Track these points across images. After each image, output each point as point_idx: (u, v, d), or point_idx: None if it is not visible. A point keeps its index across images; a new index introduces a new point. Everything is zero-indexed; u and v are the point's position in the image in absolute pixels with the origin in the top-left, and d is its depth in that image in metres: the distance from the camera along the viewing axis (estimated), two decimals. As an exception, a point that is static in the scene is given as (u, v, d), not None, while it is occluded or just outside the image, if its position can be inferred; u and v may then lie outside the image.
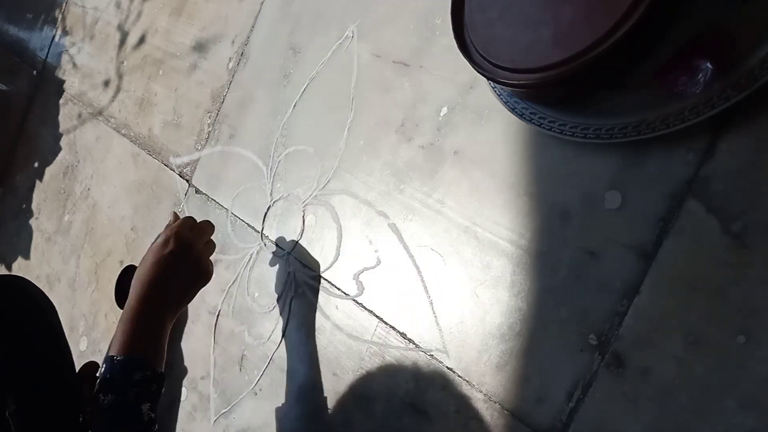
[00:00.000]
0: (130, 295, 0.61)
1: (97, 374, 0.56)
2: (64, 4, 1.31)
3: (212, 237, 0.72)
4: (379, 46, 0.68)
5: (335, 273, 0.68)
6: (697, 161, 0.45)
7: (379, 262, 0.64)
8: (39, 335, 0.62)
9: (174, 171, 0.93)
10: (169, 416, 0.84)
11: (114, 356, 0.56)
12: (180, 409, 0.83)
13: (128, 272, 0.89)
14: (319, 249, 0.71)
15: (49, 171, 1.23)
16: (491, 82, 0.55)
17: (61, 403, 0.51)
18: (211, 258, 0.71)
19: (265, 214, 0.78)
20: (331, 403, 0.66)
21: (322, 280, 0.70)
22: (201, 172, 0.89)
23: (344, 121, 0.70)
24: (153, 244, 0.65)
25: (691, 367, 0.43)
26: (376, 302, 0.64)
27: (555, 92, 0.49)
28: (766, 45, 0.39)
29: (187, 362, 0.83)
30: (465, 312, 0.56)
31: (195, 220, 0.70)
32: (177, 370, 0.84)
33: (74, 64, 1.23)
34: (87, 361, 0.94)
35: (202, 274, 0.66)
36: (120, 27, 1.12)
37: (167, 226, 0.68)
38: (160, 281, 0.61)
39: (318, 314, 0.69)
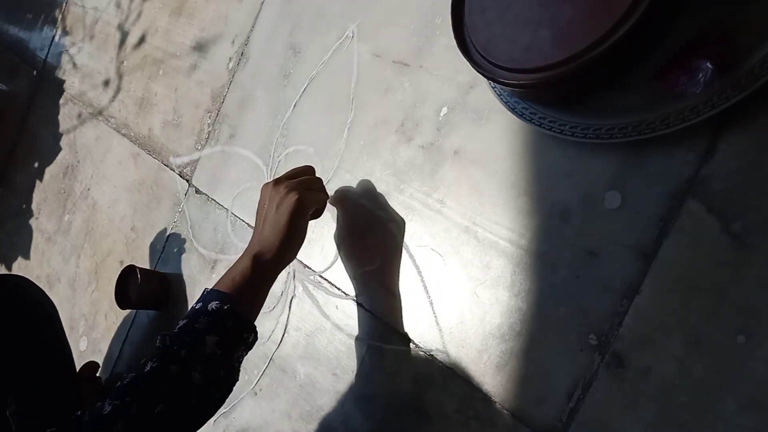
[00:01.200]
0: (248, 247, 0.59)
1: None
2: (64, 4, 1.31)
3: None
4: (379, 45, 0.68)
5: (335, 273, 0.68)
6: (697, 161, 0.45)
7: (379, 262, 0.64)
8: (40, 335, 0.62)
9: (174, 171, 0.93)
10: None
11: (207, 287, 0.56)
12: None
13: (128, 272, 0.89)
14: (319, 249, 0.71)
15: (49, 171, 1.23)
16: (491, 82, 0.55)
17: (61, 403, 0.51)
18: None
19: (265, 214, 0.78)
20: (331, 403, 0.66)
21: (322, 280, 0.70)
22: (201, 171, 0.89)
23: (344, 121, 0.70)
24: (268, 196, 0.61)
25: (691, 367, 0.43)
26: (376, 302, 0.64)
27: (555, 92, 0.49)
28: (766, 45, 0.39)
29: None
30: (465, 312, 0.56)
31: (306, 169, 0.66)
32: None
33: (74, 64, 1.23)
34: (87, 361, 0.94)
35: (312, 215, 0.63)
36: (120, 27, 1.12)
37: (285, 180, 0.62)
38: (271, 236, 0.58)
39: (318, 314, 0.69)
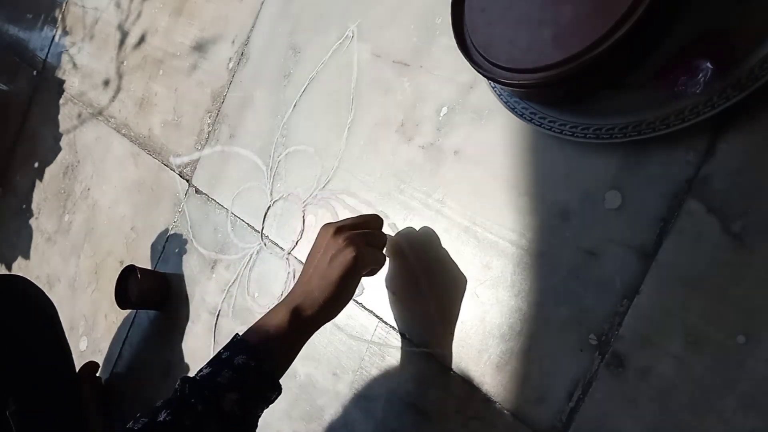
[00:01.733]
0: (291, 291, 0.55)
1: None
2: (64, 4, 1.31)
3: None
4: (379, 45, 0.68)
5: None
6: (697, 161, 0.45)
7: (379, 262, 0.64)
8: (39, 335, 0.62)
9: (174, 171, 0.93)
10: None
11: (237, 334, 0.52)
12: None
13: (128, 272, 0.89)
14: (319, 249, 0.71)
15: (49, 171, 1.23)
16: (491, 82, 0.55)
17: (61, 403, 0.51)
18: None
19: (265, 213, 0.78)
20: (331, 403, 0.66)
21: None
22: (201, 171, 0.89)
23: (344, 121, 0.70)
24: (323, 244, 0.55)
25: (691, 366, 0.43)
26: (376, 302, 0.64)
27: (555, 92, 0.49)
28: (767, 45, 0.39)
29: (187, 362, 0.83)
30: (465, 312, 0.56)
31: (373, 219, 0.60)
32: (177, 370, 0.84)
33: (74, 64, 1.23)
34: (87, 361, 0.95)
35: (357, 284, 0.56)
36: (120, 27, 1.12)
37: (346, 230, 0.57)
38: (316, 289, 0.53)
39: (318, 314, 0.69)
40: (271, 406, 0.52)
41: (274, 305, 0.55)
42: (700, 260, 0.44)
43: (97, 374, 0.94)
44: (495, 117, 0.57)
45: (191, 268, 0.86)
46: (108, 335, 0.99)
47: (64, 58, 1.26)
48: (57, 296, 1.10)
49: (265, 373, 0.50)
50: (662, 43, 0.44)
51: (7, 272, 1.29)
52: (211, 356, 0.51)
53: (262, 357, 0.49)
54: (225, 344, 0.51)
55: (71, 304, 1.07)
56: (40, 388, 0.57)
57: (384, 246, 0.60)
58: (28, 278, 0.71)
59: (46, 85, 1.30)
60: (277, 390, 0.51)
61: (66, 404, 0.58)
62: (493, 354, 0.54)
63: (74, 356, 0.72)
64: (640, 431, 0.45)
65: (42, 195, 1.23)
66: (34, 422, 0.54)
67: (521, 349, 0.52)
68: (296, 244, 0.73)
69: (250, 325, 0.53)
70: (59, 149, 1.21)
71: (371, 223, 0.60)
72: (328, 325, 0.67)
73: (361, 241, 0.54)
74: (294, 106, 0.77)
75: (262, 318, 0.53)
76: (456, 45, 0.52)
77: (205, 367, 0.49)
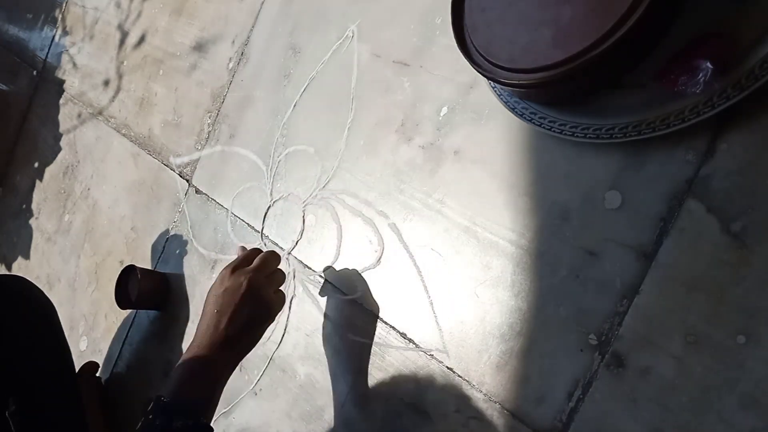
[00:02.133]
0: (195, 336, 0.57)
1: (148, 409, 0.51)
2: (64, 4, 1.31)
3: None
4: (379, 45, 0.68)
5: (335, 273, 0.68)
6: (697, 161, 0.45)
7: (379, 262, 0.64)
8: (39, 336, 0.62)
9: (174, 171, 0.93)
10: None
11: (161, 396, 0.51)
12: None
13: (128, 272, 0.89)
14: (319, 249, 0.71)
15: (49, 171, 1.23)
16: (491, 82, 0.55)
17: (60, 403, 0.51)
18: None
19: (265, 213, 0.78)
20: (331, 403, 0.66)
21: (322, 281, 0.70)
22: (201, 171, 0.89)
23: (344, 121, 0.70)
24: (219, 282, 0.59)
25: (690, 367, 0.43)
26: (375, 302, 0.64)
27: (555, 92, 0.49)
28: (766, 45, 0.39)
29: (187, 362, 0.83)
30: (465, 312, 0.56)
31: (256, 252, 0.63)
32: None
33: (74, 64, 1.23)
34: (87, 361, 0.95)
35: (267, 308, 0.59)
36: (120, 27, 1.12)
37: (234, 265, 0.61)
38: (218, 323, 0.55)
39: (318, 314, 0.69)
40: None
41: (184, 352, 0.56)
42: (700, 260, 0.44)
43: (97, 374, 0.94)
44: (495, 117, 0.57)
45: (191, 268, 0.86)
46: (108, 335, 0.99)
47: (64, 57, 1.26)
48: (57, 296, 1.10)
49: (204, 426, 0.51)
50: (662, 43, 0.44)
51: (7, 272, 1.29)
52: (139, 424, 0.51)
53: (197, 413, 0.51)
54: (149, 408, 0.51)
55: (71, 304, 1.07)
56: (40, 388, 0.57)
57: (282, 282, 0.62)
58: (28, 278, 0.71)
59: (46, 85, 1.30)
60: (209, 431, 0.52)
61: (66, 404, 0.58)
62: (493, 354, 0.54)
63: (74, 356, 0.72)
64: (640, 431, 0.45)
65: (42, 195, 1.23)
66: (34, 422, 0.54)
67: (521, 349, 0.52)
68: (296, 244, 0.73)
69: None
70: (59, 149, 1.21)
71: (270, 262, 0.61)
72: (327, 325, 0.67)
73: (255, 274, 0.57)
74: (294, 105, 0.77)
75: (175, 371, 0.54)
76: (456, 45, 0.52)
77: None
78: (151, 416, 0.50)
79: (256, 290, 0.57)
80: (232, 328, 0.55)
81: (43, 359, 0.60)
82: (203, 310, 0.58)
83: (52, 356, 0.62)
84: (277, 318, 0.71)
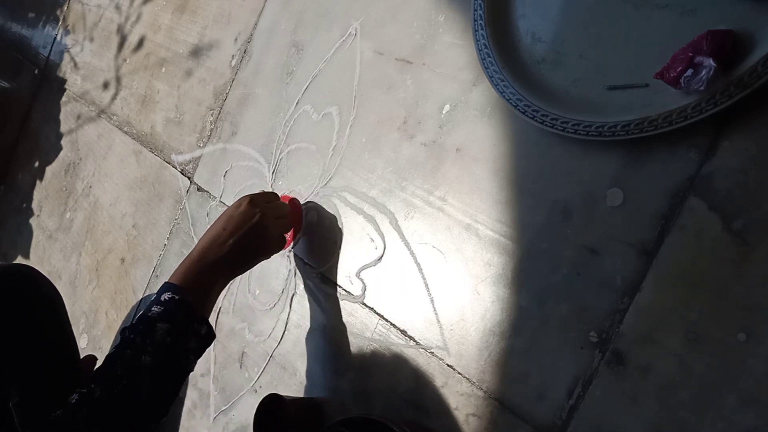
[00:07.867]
0: (197, 244, 0.62)
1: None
2: (66, 3, 1.31)
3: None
4: (381, 43, 0.69)
5: (336, 270, 0.68)
6: (699, 159, 0.45)
7: (380, 260, 0.64)
8: (45, 326, 0.61)
9: (176, 168, 0.94)
10: (170, 414, 0.84)
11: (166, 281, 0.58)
12: (180, 406, 0.83)
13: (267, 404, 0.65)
14: (320, 246, 0.71)
15: (50, 169, 1.23)
16: (493, 81, 0.55)
17: (65, 396, 0.51)
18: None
19: (267, 211, 0.78)
20: (331, 401, 0.66)
21: (323, 278, 0.70)
22: (203, 169, 0.89)
23: (347, 118, 0.70)
24: (236, 205, 0.64)
25: (691, 364, 0.43)
26: (376, 299, 0.64)
27: None
28: (769, 43, 0.39)
29: (188, 359, 0.83)
30: (466, 309, 0.56)
31: (276, 196, 0.70)
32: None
33: (76, 63, 1.23)
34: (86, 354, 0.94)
35: (266, 245, 0.65)
36: (122, 25, 1.13)
37: (254, 197, 0.67)
38: (221, 238, 0.61)
39: (318, 311, 0.69)
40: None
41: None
42: (702, 258, 0.44)
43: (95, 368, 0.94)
44: (497, 114, 0.57)
45: (192, 265, 0.86)
46: (108, 333, 0.99)
47: (66, 56, 1.26)
48: (58, 293, 1.10)
49: (187, 304, 0.56)
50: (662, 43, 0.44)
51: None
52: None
53: (182, 291, 0.56)
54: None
55: (72, 301, 1.08)
56: (44, 380, 0.57)
57: (287, 231, 0.69)
58: (35, 268, 0.70)
59: (48, 83, 1.30)
60: (205, 324, 0.57)
61: (69, 396, 0.58)
62: (494, 351, 0.54)
63: (75, 352, 0.72)
64: (640, 429, 0.45)
65: (43, 193, 1.23)
66: (37, 414, 0.54)
67: (521, 346, 0.52)
68: (297, 241, 0.73)
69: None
70: (61, 147, 1.21)
71: (283, 209, 0.69)
72: (328, 322, 0.67)
73: (269, 212, 0.64)
74: (296, 103, 0.77)
75: (179, 266, 0.61)
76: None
77: (140, 311, 0.55)
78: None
79: (265, 226, 0.63)
80: (232, 249, 0.60)
81: (47, 351, 0.60)
82: (214, 223, 0.63)
83: (57, 348, 0.62)
84: (277, 316, 0.71)
